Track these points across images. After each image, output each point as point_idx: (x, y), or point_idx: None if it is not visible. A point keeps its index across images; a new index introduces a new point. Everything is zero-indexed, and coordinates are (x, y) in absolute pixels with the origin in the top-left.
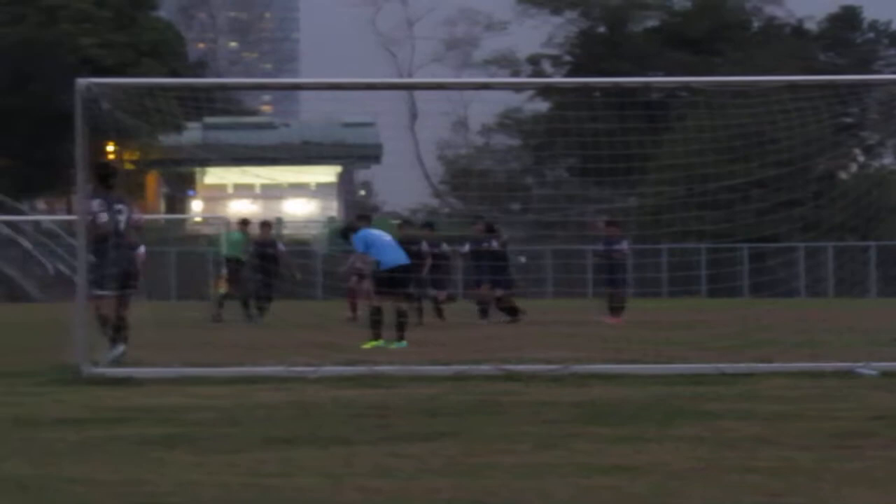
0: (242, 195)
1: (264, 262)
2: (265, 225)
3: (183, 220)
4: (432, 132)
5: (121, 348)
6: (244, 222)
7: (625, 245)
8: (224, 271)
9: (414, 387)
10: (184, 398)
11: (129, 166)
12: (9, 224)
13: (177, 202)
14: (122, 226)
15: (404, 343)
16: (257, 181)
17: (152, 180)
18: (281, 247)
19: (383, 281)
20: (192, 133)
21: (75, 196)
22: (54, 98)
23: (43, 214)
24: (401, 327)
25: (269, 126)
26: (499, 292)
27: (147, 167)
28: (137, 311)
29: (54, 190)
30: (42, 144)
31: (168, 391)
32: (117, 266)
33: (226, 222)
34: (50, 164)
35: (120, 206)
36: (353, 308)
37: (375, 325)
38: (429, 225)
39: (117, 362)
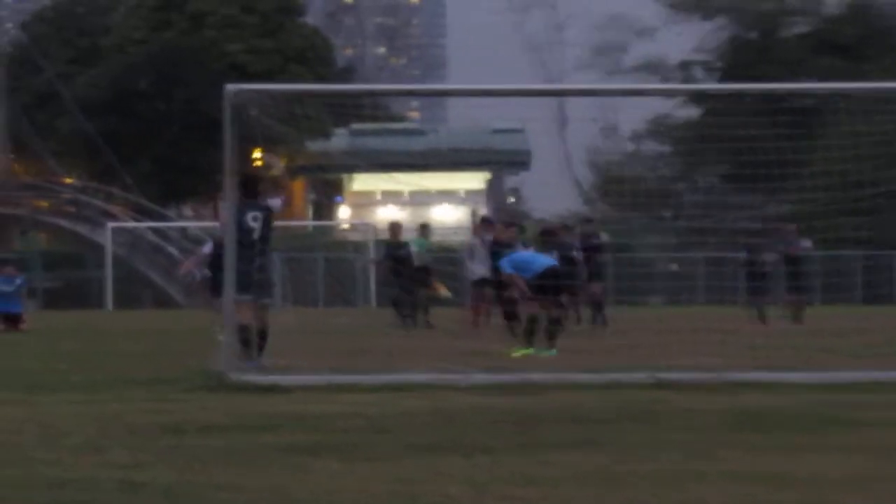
0: (390, 202)
1: (397, 264)
2: (395, 226)
3: (330, 227)
4: (582, 138)
5: (254, 363)
6: (424, 227)
7: (805, 244)
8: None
9: (562, 394)
10: (330, 405)
11: (275, 173)
12: (155, 230)
13: (324, 208)
14: (258, 233)
15: (554, 351)
16: (405, 188)
17: (299, 187)
18: (414, 248)
19: (537, 288)
20: (340, 139)
21: (221, 202)
22: (200, 104)
23: (189, 220)
24: (552, 335)
25: (417, 132)
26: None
27: (294, 173)
28: (283, 318)
29: (200, 196)
30: (188, 150)
31: (315, 398)
32: (260, 273)
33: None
34: (196, 170)
35: (256, 213)
36: (476, 318)
37: (528, 331)
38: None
39: (259, 370)
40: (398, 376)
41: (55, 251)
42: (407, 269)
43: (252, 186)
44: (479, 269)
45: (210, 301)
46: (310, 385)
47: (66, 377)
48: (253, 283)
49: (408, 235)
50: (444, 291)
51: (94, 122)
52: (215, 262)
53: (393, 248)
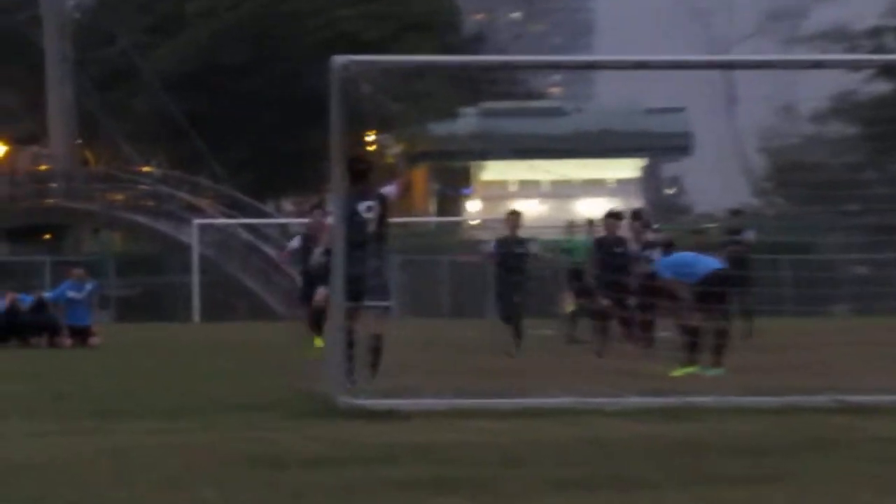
0: (528, 194)
1: (509, 265)
2: (513, 218)
3: (457, 224)
4: (753, 118)
5: (360, 380)
6: (591, 223)
7: None
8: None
9: (732, 421)
10: (457, 434)
11: (390, 160)
12: (251, 228)
13: (449, 202)
14: (370, 228)
15: (721, 370)
16: (545, 177)
17: (420, 176)
18: (534, 247)
19: (701, 295)
20: (468, 120)
21: (329, 195)
22: (303, 80)
23: (290, 216)
24: (718, 351)
25: (559, 112)
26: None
27: (414, 161)
28: (401, 331)
29: (303, 188)
30: (288, 134)
31: (438, 426)
32: (377, 276)
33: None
34: (298, 158)
35: (370, 203)
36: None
37: (691, 348)
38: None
39: (366, 392)
40: (535, 400)
41: (132, 253)
42: (517, 271)
43: (362, 172)
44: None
45: (296, 309)
46: (432, 410)
47: (144, 401)
48: (366, 288)
49: (545, 233)
50: (570, 306)
51: (177, 101)
52: (305, 261)
53: (507, 245)
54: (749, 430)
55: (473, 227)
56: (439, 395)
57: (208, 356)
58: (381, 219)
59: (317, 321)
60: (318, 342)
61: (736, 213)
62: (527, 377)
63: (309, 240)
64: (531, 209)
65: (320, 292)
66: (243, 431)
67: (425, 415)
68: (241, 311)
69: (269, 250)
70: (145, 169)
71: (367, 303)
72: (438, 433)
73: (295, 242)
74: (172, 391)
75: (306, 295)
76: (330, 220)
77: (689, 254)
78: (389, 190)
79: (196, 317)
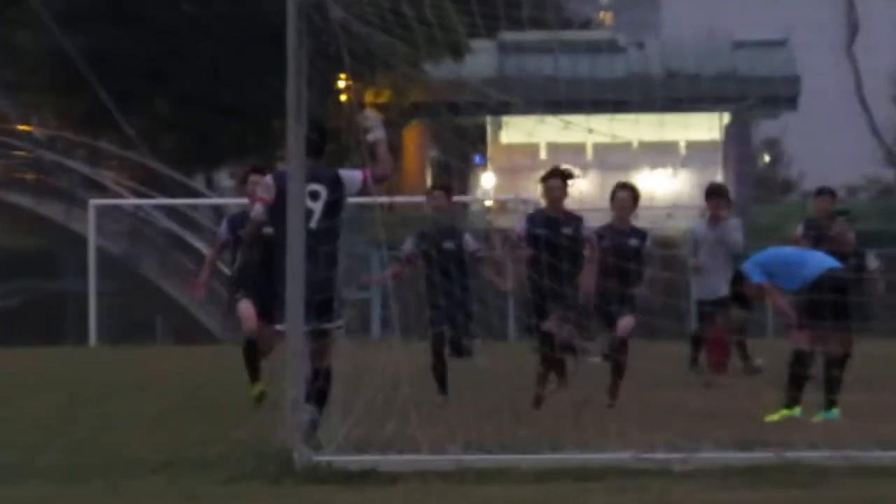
0: (563, 162)
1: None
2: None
3: (464, 206)
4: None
5: (306, 417)
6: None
7: None
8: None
9: (857, 484)
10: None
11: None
12: (174, 212)
13: (454, 174)
14: (317, 221)
15: (835, 412)
16: (588, 139)
17: (413, 138)
18: (470, 241)
19: (807, 308)
20: (481, 59)
21: (284, 166)
22: (247, 4)
23: (229, 195)
24: (832, 387)
25: (611, 47)
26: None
27: (405, 118)
28: (386, 356)
29: (247, 155)
30: (227, 81)
31: (437, 493)
32: (311, 287)
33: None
34: (240, 114)
35: (317, 188)
36: (715, 363)
37: (794, 380)
38: (843, 213)
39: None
40: (574, 455)
41: (5, 248)
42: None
43: (314, 145)
44: (713, 280)
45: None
46: (428, 469)
47: (27, 459)
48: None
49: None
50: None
51: (74, 35)
52: (238, 252)
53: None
54: (879, 495)
55: (487, 209)
56: (438, 448)
57: (116, 393)
58: (332, 210)
59: (247, 355)
60: (253, 388)
61: (842, 213)
62: (564, 422)
63: (240, 225)
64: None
65: (245, 309)
66: (165, 500)
67: (419, 476)
68: (159, 330)
69: (201, 244)
70: (24, 128)
71: (306, 325)
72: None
73: (223, 229)
74: (69, 445)
75: (232, 310)
76: (261, 191)
77: (789, 249)
78: (351, 177)
79: (92, 338)
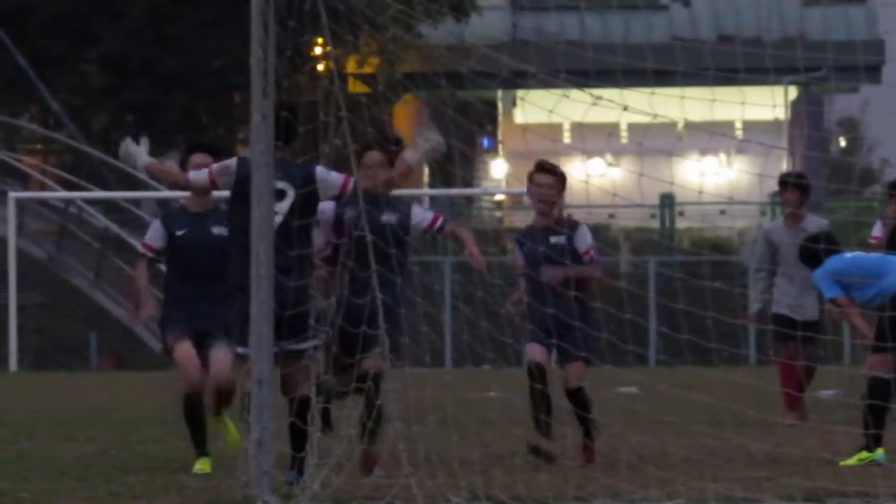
0: (593, 146)
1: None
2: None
3: (469, 201)
4: None
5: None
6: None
7: None
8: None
9: None
10: None
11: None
12: (112, 207)
13: (457, 163)
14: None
15: None
16: (622, 119)
17: (403, 116)
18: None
19: (890, 328)
20: (491, 18)
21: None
22: None
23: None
24: None
25: (651, 4)
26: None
27: (393, 92)
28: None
29: (199, 137)
30: (177, 47)
31: None
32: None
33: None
34: (192, 87)
35: (281, 186)
36: (790, 400)
37: (873, 416)
38: None
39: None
40: None
41: None
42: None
43: (286, 120)
44: (798, 294)
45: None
46: None
47: None
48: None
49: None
50: None
51: None
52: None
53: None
54: None
55: (498, 204)
56: (437, 499)
57: (37, 432)
58: (301, 212)
59: (190, 418)
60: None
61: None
62: (593, 467)
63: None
64: (598, 172)
65: (182, 354)
66: None
67: None
68: (93, 352)
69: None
70: None
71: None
72: None
73: (155, 228)
74: None
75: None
76: (193, 175)
77: (872, 256)
78: (330, 180)
79: (12, 362)
